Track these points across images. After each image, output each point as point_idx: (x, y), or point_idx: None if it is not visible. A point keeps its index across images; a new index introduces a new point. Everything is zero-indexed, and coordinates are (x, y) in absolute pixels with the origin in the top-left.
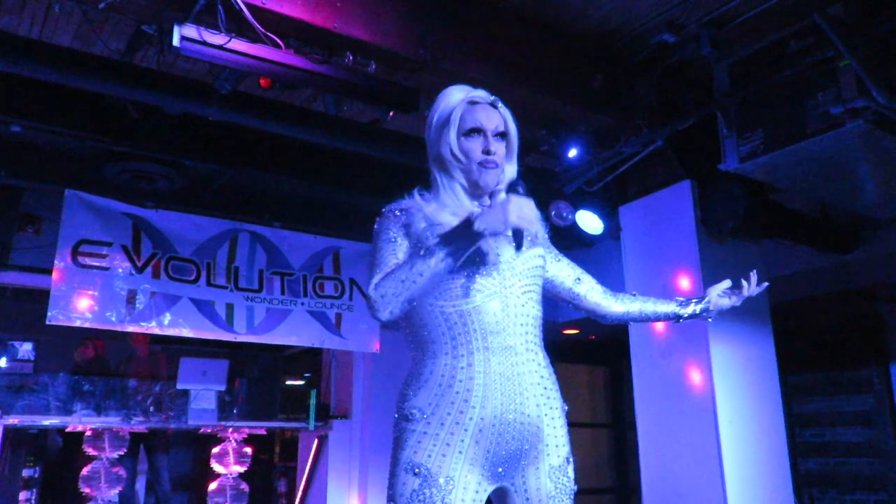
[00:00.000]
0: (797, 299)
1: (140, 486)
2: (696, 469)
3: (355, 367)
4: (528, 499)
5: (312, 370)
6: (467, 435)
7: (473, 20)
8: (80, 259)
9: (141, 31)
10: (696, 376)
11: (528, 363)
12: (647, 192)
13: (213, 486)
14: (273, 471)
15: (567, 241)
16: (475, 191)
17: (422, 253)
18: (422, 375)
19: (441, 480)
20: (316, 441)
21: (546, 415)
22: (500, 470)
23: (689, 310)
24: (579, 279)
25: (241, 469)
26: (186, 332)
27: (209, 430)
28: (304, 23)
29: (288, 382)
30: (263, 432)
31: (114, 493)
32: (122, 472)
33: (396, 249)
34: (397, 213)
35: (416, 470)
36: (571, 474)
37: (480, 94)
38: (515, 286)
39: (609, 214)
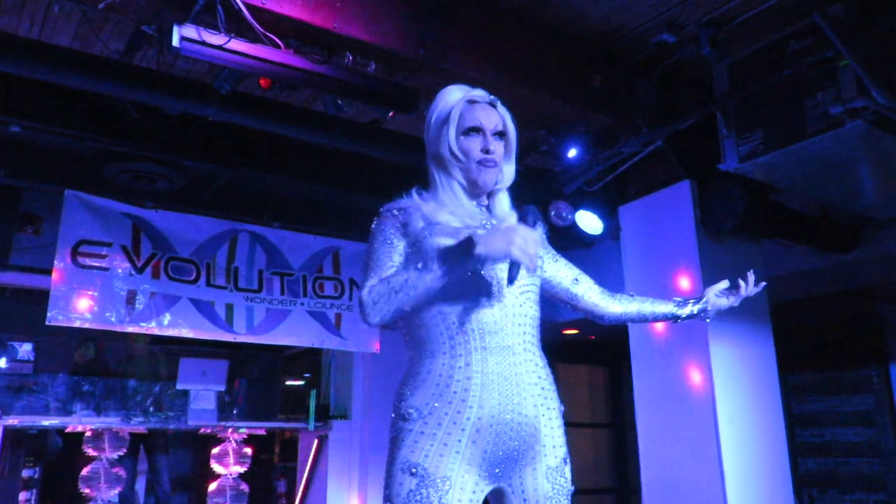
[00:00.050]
0: (797, 299)
1: (140, 486)
2: (696, 469)
3: (355, 368)
4: (525, 500)
5: (312, 370)
6: (464, 435)
7: (473, 20)
8: (80, 259)
9: (140, 32)
10: (695, 376)
11: (525, 363)
12: (647, 192)
13: (212, 486)
14: (273, 471)
15: (567, 241)
16: (474, 190)
17: (419, 266)
18: (419, 375)
19: (438, 480)
20: (316, 441)
21: (543, 415)
22: (498, 470)
23: (687, 310)
24: (577, 279)
25: (241, 469)
26: (186, 333)
27: (209, 431)
28: (304, 23)
29: (288, 383)
30: (263, 433)
31: (113, 493)
32: (121, 472)
33: (392, 251)
34: (395, 212)
35: (413, 470)
36: (569, 475)
37: (479, 93)
38: (514, 286)
39: (609, 214)
